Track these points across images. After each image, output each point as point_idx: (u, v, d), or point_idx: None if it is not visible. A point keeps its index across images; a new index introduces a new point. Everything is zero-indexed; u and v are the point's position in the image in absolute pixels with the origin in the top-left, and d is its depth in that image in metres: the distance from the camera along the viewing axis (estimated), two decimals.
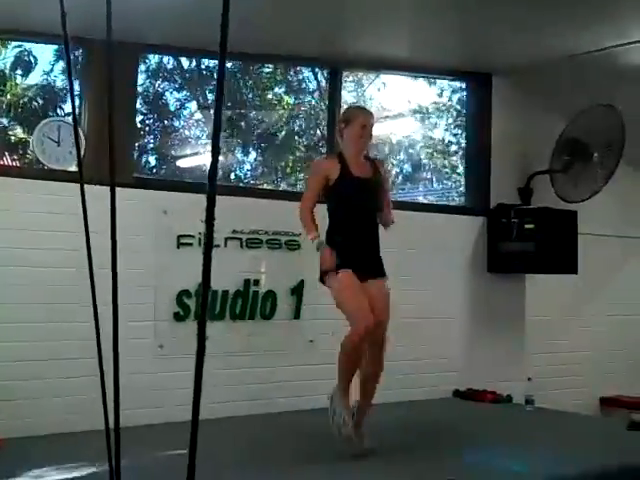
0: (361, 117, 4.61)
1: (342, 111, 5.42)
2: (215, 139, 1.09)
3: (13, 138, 5.99)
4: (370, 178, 4.56)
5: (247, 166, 7.26)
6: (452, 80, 7.60)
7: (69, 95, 5.67)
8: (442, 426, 5.44)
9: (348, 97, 7.07)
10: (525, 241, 6.79)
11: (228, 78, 6.86)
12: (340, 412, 4.33)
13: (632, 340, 7.73)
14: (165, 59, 6.81)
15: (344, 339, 4.29)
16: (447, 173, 8.49)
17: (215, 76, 6.65)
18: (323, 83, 7.13)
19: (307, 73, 7.33)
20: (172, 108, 7.16)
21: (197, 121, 7.09)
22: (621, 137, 6.45)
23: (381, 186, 4.61)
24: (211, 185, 1.05)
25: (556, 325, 7.29)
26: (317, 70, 7.26)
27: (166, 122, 7.05)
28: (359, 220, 4.50)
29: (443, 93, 8.11)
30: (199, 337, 1.09)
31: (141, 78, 6.47)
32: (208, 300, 4.67)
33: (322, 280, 4.47)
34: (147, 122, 6.80)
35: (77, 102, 5.37)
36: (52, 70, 6.17)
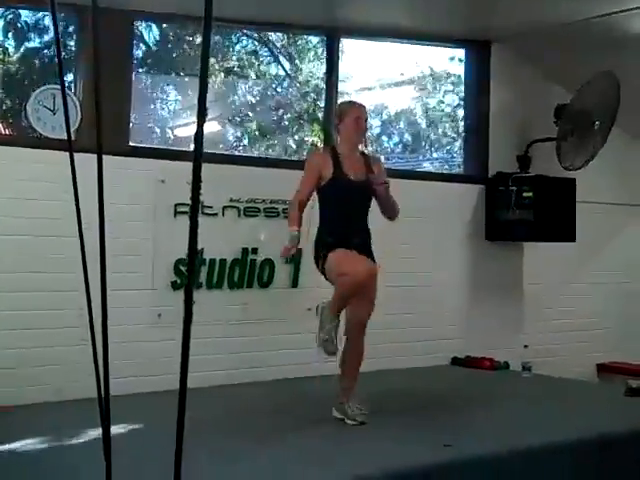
0: (353, 110, 4.63)
1: (335, 109, 5.38)
2: (201, 103, 1.08)
3: (4, 107, 5.93)
4: (363, 180, 4.53)
5: (243, 134, 7.21)
6: (451, 47, 7.53)
7: (68, 63, 5.61)
8: (440, 393, 5.48)
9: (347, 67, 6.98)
10: (523, 209, 6.78)
11: (230, 44, 6.82)
12: (328, 329, 4.35)
13: (629, 307, 7.75)
14: (162, 27, 6.73)
15: (337, 285, 4.31)
16: (446, 141, 8.45)
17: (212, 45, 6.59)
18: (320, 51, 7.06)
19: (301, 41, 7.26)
20: (168, 75, 7.09)
21: (192, 89, 7.02)
22: (615, 101, 6.41)
23: (372, 184, 4.53)
24: (197, 149, 1.04)
25: (553, 293, 7.31)
26: (314, 38, 7.17)
27: (162, 90, 6.99)
28: (351, 221, 4.52)
29: (442, 61, 8.04)
30: (186, 303, 1.08)
31: (141, 47, 6.40)
32: (205, 268, 4.65)
33: (317, 263, 4.49)
34: (143, 90, 6.74)
35: (72, 70, 5.33)
36: (45, 37, 6.10)
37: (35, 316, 4.98)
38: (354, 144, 4.63)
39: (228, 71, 6.89)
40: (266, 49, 7.26)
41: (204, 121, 1.14)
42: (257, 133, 7.09)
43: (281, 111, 7.22)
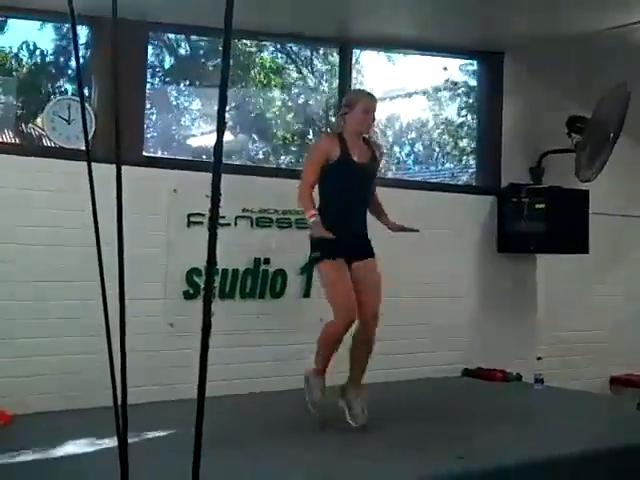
0: (364, 101, 4.62)
1: (346, 95, 5.37)
2: (221, 114, 1.09)
3: (19, 116, 5.97)
4: (368, 163, 4.61)
5: (256, 145, 7.24)
6: (464, 59, 7.54)
7: (82, 73, 5.64)
8: (451, 404, 5.45)
9: (358, 77, 7.02)
10: (536, 221, 6.76)
11: (239, 55, 6.85)
12: (313, 392, 4.55)
13: None
14: (176, 37, 6.78)
15: (326, 326, 4.45)
16: (458, 152, 8.45)
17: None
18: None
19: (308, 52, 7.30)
20: (181, 86, 7.14)
21: (206, 99, 7.06)
22: (625, 112, 6.43)
23: (376, 170, 4.69)
24: (217, 160, 1.05)
25: (566, 305, 7.28)
26: (326, 50, 7.21)
27: (174, 101, 7.03)
28: (353, 203, 4.57)
29: (454, 72, 8.05)
30: (204, 313, 1.09)
31: (152, 56, 6.44)
32: (218, 279, 4.67)
33: (311, 263, 4.61)
34: (157, 101, 6.78)
35: (86, 81, 5.37)
36: (60, 49, 6.15)
37: (51, 325, 5.00)
38: (359, 133, 4.63)
39: (248, 82, 6.94)
40: (288, 60, 7.30)
41: (223, 132, 1.15)
42: (282, 143, 7.14)
43: (302, 121, 7.26)
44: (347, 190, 4.53)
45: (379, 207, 4.81)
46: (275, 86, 7.22)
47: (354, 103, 4.60)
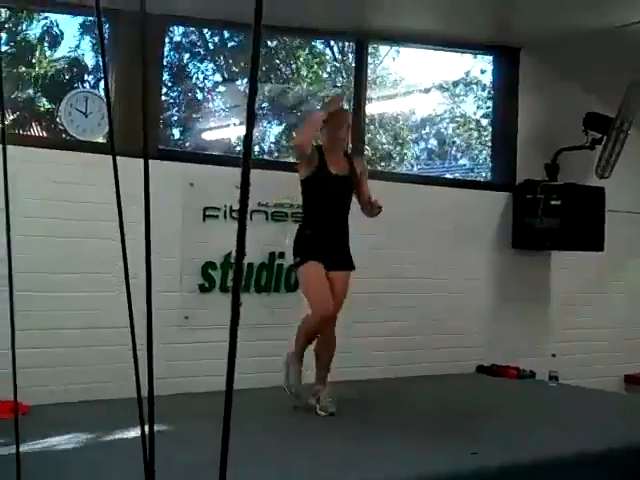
0: (336, 117, 4.82)
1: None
2: (250, 107, 1.09)
3: (41, 109, 6.01)
4: (346, 175, 4.82)
5: (272, 139, 7.25)
6: (480, 54, 7.52)
7: (99, 66, 5.66)
8: (465, 401, 5.45)
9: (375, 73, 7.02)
10: (551, 217, 6.74)
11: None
12: (293, 374, 4.85)
13: None
14: (190, 31, 6.79)
15: (304, 320, 4.78)
16: (473, 148, 8.43)
17: (241, 49, 6.63)
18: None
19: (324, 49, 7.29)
20: (197, 80, 7.16)
21: (220, 93, 7.08)
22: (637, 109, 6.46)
23: (355, 182, 4.88)
24: (246, 154, 1.06)
25: (581, 302, 7.25)
26: (341, 44, 7.20)
27: (191, 94, 7.05)
28: (331, 215, 4.79)
29: (470, 67, 8.04)
30: (233, 304, 1.10)
31: (166, 50, 6.45)
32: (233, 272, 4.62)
33: (293, 267, 5.01)
34: (172, 94, 6.80)
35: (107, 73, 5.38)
36: (79, 42, 6.18)
37: (71, 316, 5.03)
38: (335, 147, 4.86)
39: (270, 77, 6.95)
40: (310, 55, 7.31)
41: (253, 126, 1.15)
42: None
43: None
44: (325, 201, 4.78)
45: (368, 205, 4.92)
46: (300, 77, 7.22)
47: (328, 118, 4.78)
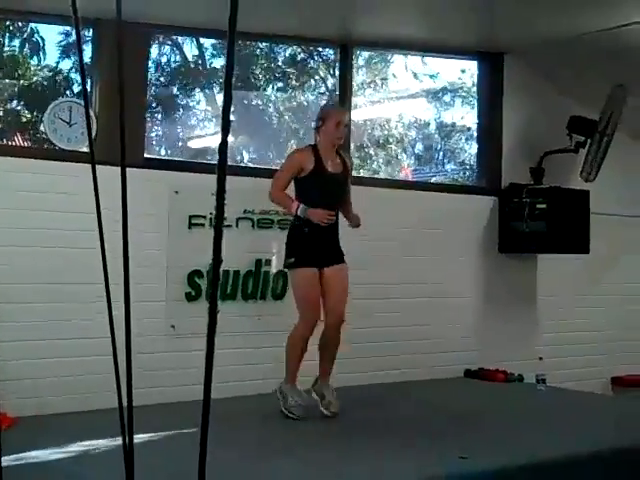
0: (335, 115, 4.94)
1: (320, 109, 5.47)
2: (225, 114, 1.10)
3: (24, 119, 5.99)
4: (340, 173, 4.93)
5: (257, 147, 7.25)
6: (464, 60, 7.55)
7: (80, 75, 5.65)
8: (453, 405, 5.45)
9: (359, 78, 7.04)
10: (537, 221, 6.76)
11: (237, 59, 6.84)
12: (291, 397, 4.82)
13: None
14: (171, 51, 6.81)
15: (292, 333, 4.82)
16: (459, 153, 8.46)
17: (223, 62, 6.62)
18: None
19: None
20: (180, 89, 7.15)
21: (205, 106, 7.09)
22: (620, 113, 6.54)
23: (347, 181, 5.02)
24: (222, 157, 1.06)
25: (567, 305, 7.28)
26: (327, 50, 7.22)
27: (176, 102, 7.04)
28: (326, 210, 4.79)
29: (455, 72, 8.07)
30: (210, 312, 1.10)
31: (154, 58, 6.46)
32: (220, 280, 4.63)
33: (286, 267, 4.99)
34: (157, 103, 6.79)
35: (87, 83, 5.37)
36: (62, 52, 6.17)
37: (54, 328, 5.00)
38: (333, 146, 4.94)
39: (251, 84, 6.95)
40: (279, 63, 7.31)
41: (228, 131, 1.15)
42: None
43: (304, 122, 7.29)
44: (321, 199, 4.81)
45: (348, 208, 5.05)
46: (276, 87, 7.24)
47: (327, 117, 4.91)
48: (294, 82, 7.46)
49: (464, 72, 7.95)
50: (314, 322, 4.78)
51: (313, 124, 5.07)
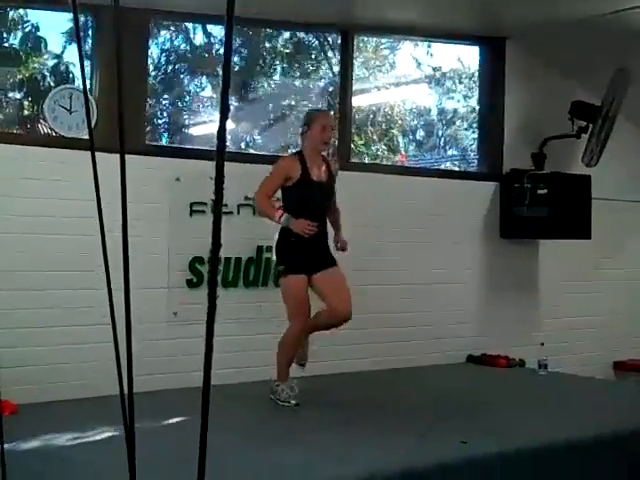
0: (320, 118, 4.91)
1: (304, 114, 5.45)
2: (224, 99, 1.09)
3: (25, 108, 5.97)
4: (326, 180, 4.92)
5: (258, 133, 7.23)
6: (465, 45, 7.51)
7: (79, 62, 5.63)
8: (455, 391, 5.47)
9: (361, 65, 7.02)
10: (538, 206, 6.76)
11: (239, 45, 6.82)
12: (285, 392, 4.84)
13: None
14: (174, 35, 6.77)
15: (285, 337, 4.85)
16: (460, 139, 8.43)
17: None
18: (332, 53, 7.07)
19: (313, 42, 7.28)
20: (183, 76, 7.12)
21: (208, 91, 7.06)
22: (623, 97, 6.52)
23: (333, 188, 5.00)
24: (220, 143, 1.05)
25: (569, 290, 7.28)
26: (327, 37, 7.18)
27: (178, 89, 7.02)
28: (314, 220, 4.78)
29: (456, 58, 8.03)
30: (210, 298, 1.09)
31: (153, 49, 6.43)
32: (221, 267, 4.68)
33: (278, 274, 5.08)
34: (159, 90, 6.77)
35: (88, 70, 5.35)
36: (62, 39, 6.14)
37: (56, 315, 5.01)
38: (319, 151, 4.94)
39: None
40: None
41: (227, 118, 1.15)
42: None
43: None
44: (308, 207, 4.81)
45: (336, 216, 5.10)
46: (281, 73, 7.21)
47: (311, 121, 4.88)
48: (298, 67, 7.43)
49: (465, 58, 7.90)
50: (304, 323, 4.82)
51: (300, 130, 5.04)
